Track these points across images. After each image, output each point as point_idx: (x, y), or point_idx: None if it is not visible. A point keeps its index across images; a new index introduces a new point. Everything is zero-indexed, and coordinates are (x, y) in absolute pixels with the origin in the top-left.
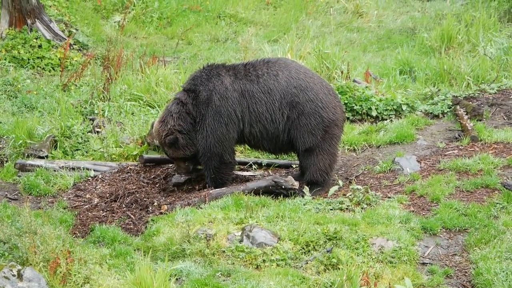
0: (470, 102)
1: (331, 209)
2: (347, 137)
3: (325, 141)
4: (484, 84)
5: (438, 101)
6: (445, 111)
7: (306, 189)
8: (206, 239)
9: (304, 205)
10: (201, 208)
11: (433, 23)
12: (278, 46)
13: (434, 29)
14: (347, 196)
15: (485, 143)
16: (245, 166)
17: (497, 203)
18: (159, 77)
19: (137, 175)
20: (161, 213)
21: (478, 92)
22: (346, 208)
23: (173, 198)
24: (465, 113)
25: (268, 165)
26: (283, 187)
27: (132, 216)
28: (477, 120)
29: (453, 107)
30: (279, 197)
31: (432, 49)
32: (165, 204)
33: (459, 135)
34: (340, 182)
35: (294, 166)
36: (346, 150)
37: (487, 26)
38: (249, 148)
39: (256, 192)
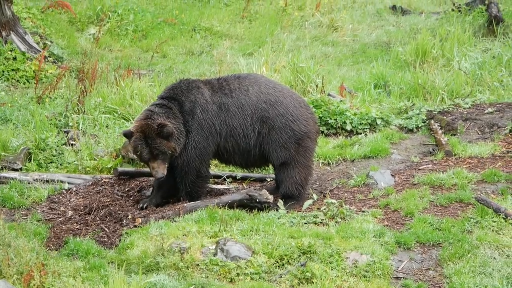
0: (445, 117)
1: (305, 223)
2: (322, 151)
3: (299, 154)
4: (459, 99)
5: (413, 116)
6: (420, 125)
7: (280, 203)
8: (180, 252)
9: (278, 218)
10: (175, 221)
11: (408, 38)
12: (253, 60)
13: (409, 43)
14: (321, 210)
15: (459, 157)
16: (220, 180)
17: (471, 218)
18: (133, 90)
19: (111, 188)
20: (135, 226)
21: (453, 107)
22: (321, 222)
23: (147, 211)
24: (440, 127)
25: (243, 179)
26: (257, 200)
27: (106, 229)
28: (451, 135)
29: (427, 122)
30: (253, 210)
31: (406, 64)
32: (139, 217)
33: (433, 150)
34: (315, 196)
35: (268, 179)
36: (320, 164)
37: (462, 40)
38: (219, 162)
39: (231, 205)
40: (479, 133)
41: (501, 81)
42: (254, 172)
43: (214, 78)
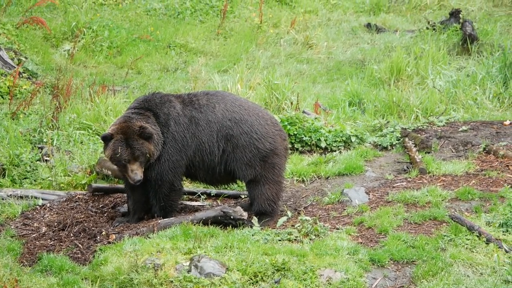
0: (419, 135)
1: (279, 240)
2: (296, 168)
3: (267, 171)
4: (433, 117)
5: (387, 133)
6: (394, 143)
7: (254, 219)
8: (154, 269)
9: (252, 235)
10: (149, 238)
11: (382, 55)
12: (228, 77)
13: (383, 61)
14: (295, 227)
15: (433, 175)
16: (194, 196)
17: (445, 236)
18: (108, 106)
19: (85, 204)
20: (109, 242)
21: (427, 125)
22: (295, 239)
23: (121, 228)
24: (414, 145)
25: (217, 196)
26: (231, 217)
27: (80, 245)
28: (425, 153)
29: (401, 139)
30: (227, 227)
31: (381, 81)
32: (114, 233)
33: (407, 167)
34: (289, 213)
35: (243, 196)
36: (295, 181)
37: (436, 59)
38: (185, 177)
39: (205, 222)
40: (453, 151)
41: (475, 99)
42: (227, 188)
43: (184, 93)
